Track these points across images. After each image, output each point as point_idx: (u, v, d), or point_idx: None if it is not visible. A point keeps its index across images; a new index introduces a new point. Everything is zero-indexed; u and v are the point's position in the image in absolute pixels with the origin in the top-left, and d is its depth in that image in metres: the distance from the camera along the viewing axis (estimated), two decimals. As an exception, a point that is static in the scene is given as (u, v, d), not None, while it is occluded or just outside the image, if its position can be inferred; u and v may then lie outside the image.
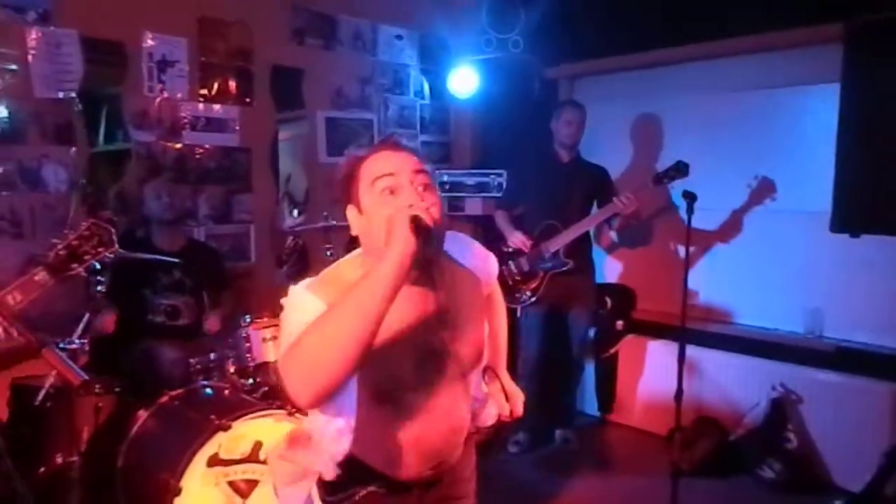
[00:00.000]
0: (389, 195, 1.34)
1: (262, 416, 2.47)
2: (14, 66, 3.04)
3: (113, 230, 1.75)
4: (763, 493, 3.37)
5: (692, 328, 3.85)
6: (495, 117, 4.71)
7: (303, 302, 1.33)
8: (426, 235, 1.23)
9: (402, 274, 1.20)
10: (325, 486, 1.49)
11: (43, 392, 2.18)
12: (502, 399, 1.71)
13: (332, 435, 1.41)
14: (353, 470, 1.45)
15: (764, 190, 3.74)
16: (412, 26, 4.46)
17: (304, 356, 1.19)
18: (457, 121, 4.80)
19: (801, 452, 3.43)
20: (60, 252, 1.67)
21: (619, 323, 4.23)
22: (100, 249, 1.72)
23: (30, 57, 3.05)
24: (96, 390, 2.63)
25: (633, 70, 4.19)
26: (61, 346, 2.16)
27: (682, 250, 4.13)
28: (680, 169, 3.35)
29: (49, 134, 3.15)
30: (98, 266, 1.73)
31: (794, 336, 3.69)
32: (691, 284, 4.09)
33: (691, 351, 3.80)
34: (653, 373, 4.08)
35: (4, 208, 3.04)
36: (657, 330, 4.09)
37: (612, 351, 4.26)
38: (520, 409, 1.72)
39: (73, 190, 3.20)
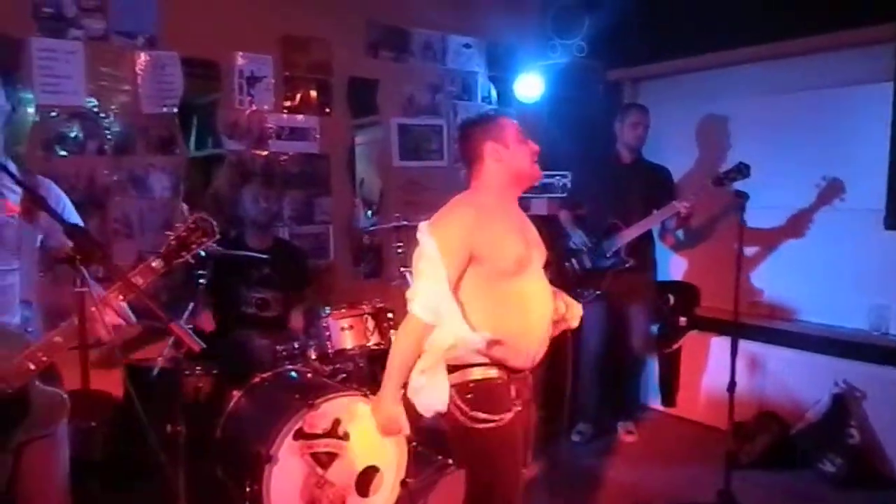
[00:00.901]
0: (524, 143, 2.14)
1: (341, 396, 2.75)
2: (127, 87, 3.45)
3: (214, 223, 2.01)
4: (823, 487, 3.41)
5: (756, 325, 3.95)
6: (560, 120, 4.86)
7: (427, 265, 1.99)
8: None
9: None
10: (482, 408, 1.99)
11: (156, 370, 2.52)
12: (562, 308, 2.19)
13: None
14: (495, 386, 2.02)
15: (827, 188, 3.77)
16: (480, 35, 4.69)
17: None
18: (523, 124, 4.97)
19: (863, 448, 3.45)
20: (172, 242, 1.95)
21: (682, 319, 4.31)
22: (203, 239, 1.97)
23: (139, 78, 3.46)
24: (196, 372, 3.00)
25: (693, 72, 4.28)
26: (171, 329, 2.50)
27: (745, 249, 4.21)
28: (741, 170, 3.41)
29: (154, 145, 3.55)
30: (204, 254, 2.01)
31: (859, 333, 3.71)
32: (756, 282, 4.20)
33: (755, 347, 3.91)
34: (715, 368, 4.15)
35: (118, 212, 3.46)
36: (720, 326, 4.16)
37: (675, 346, 4.35)
38: (576, 321, 2.21)
39: (177, 194, 3.59)
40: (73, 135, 3.34)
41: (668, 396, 4.44)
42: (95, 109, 3.37)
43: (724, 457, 3.04)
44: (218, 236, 2.04)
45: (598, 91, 4.73)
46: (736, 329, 3.05)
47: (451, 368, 2.00)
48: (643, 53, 4.42)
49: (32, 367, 1.77)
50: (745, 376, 3.94)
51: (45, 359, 1.78)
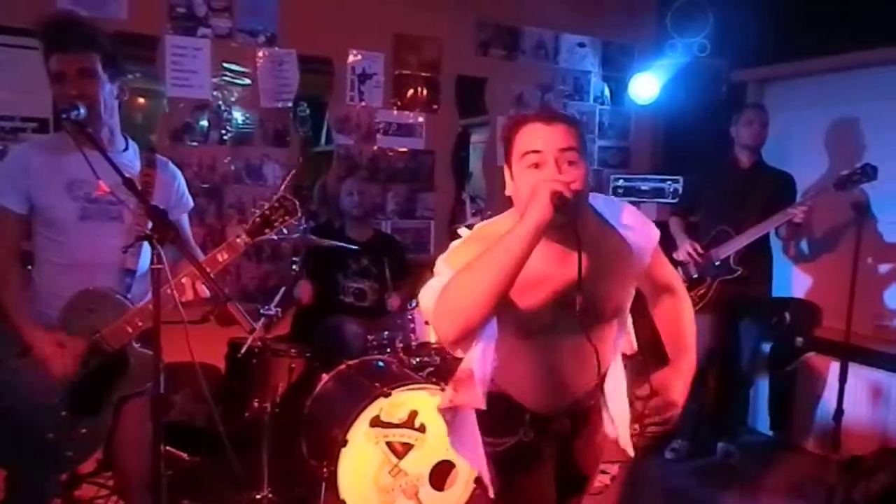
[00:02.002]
0: (534, 169, 1.49)
1: (419, 388, 2.79)
2: (248, 81, 3.68)
3: (297, 203, 2.11)
4: (950, 538, 3.05)
5: (884, 352, 3.60)
6: (677, 123, 4.67)
7: (442, 272, 1.54)
8: (562, 206, 1.38)
9: (537, 236, 1.38)
10: (485, 430, 1.69)
11: (245, 347, 2.68)
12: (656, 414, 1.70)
13: (479, 357, 1.55)
14: (503, 410, 1.67)
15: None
16: (595, 34, 4.58)
17: (449, 301, 1.42)
18: (637, 126, 4.83)
19: None
20: (257, 220, 2.08)
21: (799, 339, 4.00)
22: (286, 218, 2.08)
23: (258, 73, 3.68)
24: (291, 353, 3.15)
25: (826, 73, 3.95)
26: (262, 311, 2.66)
27: (880, 266, 3.84)
28: (866, 172, 3.11)
29: (269, 137, 3.77)
30: (286, 231, 2.10)
31: None
32: (889, 304, 3.81)
33: (880, 376, 3.58)
34: (833, 395, 3.79)
35: (234, 198, 3.70)
36: (844, 351, 3.81)
37: (789, 368, 4.05)
38: (671, 423, 1.71)
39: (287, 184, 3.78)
40: (198, 126, 3.61)
41: (778, 421, 4.13)
42: (218, 102, 3.62)
43: (827, 491, 2.80)
44: (299, 215, 2.12)
45: (720, 92, 4.48)
46: (847, 352, 2.80)
47: None
48: (772, 53, 4.12)
49: (130, 330, 1.96)
50: (867, 407, 3.61)
51: (140, 323, 1.95)
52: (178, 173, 2.26)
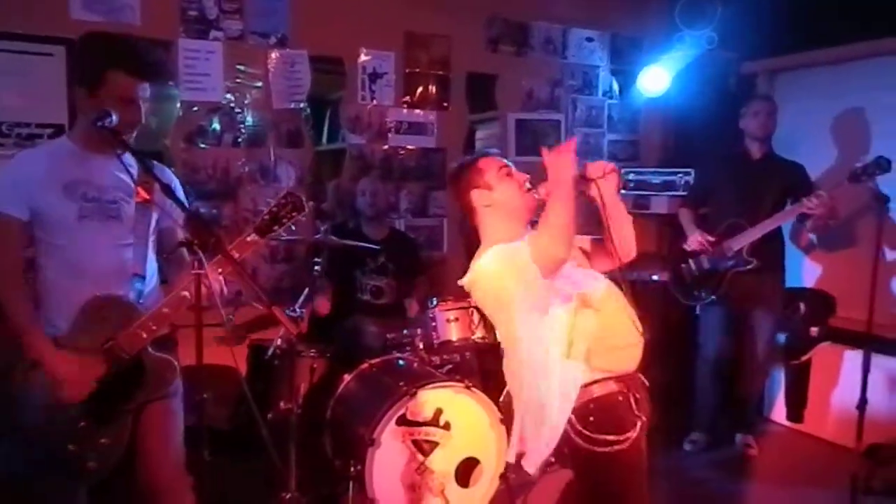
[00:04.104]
0: (509, 176, 2.02)
1: (443, 387, 2.80)
2: (259, 83, 3.68)
3: (303, 198, 2.08)
4: (970, 524, 3.08)
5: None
6: (687, 116, 4.67)
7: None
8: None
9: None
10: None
11: (271, 349, 2.69)
12: None
13: None
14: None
15: None
16: (603, 28, 4.59)
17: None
18: (646, 119, 4.84)
19: None
20: (266, 217, 2.04)
21: (813, 329, 4.02)
22: (293, 213, 2.05)
23: (270, 75, 3.68)
24: (311, 354, 3.15)
25: (836, 64, 3.96)
26: (288, 312, 2.67)
27: (890, 255, 3.85)
28: (880, 164, 3.12)
29: (283, 138, 3.77)
30: (294, 228, 2.07)
31: None
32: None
33: (896, 364, 3.58)
34: (848, 384, 3.82)
35: (248, 200, 3.70)
36: (856, 339, 3.82)
37: (805, 358, 4.07)
38: None
39: (302, 185, 3.79)
40: (211, 128, 3.61)
41: (795, 411, 4.15)
42: (231, 105, 3.62)
43: (850, 479, 2.81)
44: (306, 210, 2.10)
45: (729, 85, 4.50)
46: (869, 341, 2.81)
47: None
48: (781, 44, 4.13)
49: (145, 335, 1.93)
50: (885, 395, 3.63)
51: (155, 328, 1.93)
52: (175, 179, 2.18)
